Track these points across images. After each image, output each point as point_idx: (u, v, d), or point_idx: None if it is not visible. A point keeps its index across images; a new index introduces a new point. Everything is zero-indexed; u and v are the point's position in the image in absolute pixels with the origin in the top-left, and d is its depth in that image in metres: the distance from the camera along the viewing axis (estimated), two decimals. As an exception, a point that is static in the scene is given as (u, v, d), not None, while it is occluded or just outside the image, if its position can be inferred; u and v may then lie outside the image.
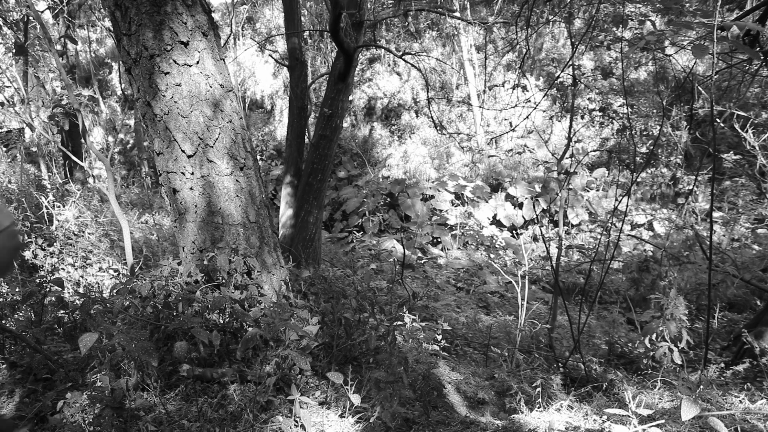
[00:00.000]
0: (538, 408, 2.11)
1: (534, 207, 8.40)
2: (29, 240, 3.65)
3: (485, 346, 3.37)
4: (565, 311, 3.92)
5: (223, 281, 2.19)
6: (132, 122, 12.90)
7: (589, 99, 10.88)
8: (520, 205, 8.76)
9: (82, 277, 3.56)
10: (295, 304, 2.43)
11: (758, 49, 2.73)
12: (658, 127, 9.50)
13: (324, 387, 1.95)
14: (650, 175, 9.42)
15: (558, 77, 7.88)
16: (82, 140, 8.02)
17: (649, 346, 3.01)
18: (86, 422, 1.68)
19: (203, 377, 1.91)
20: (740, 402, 1.98)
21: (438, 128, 10.85)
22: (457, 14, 10.72)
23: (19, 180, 5.40)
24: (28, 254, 3.54)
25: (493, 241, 8.10)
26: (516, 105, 10.49)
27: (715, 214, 7.19)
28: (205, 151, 2.21)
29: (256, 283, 2.27)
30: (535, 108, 4.05)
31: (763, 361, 2.48)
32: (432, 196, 9.07)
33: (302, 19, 6.88)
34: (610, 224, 6.56)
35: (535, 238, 8.31)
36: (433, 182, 9.44)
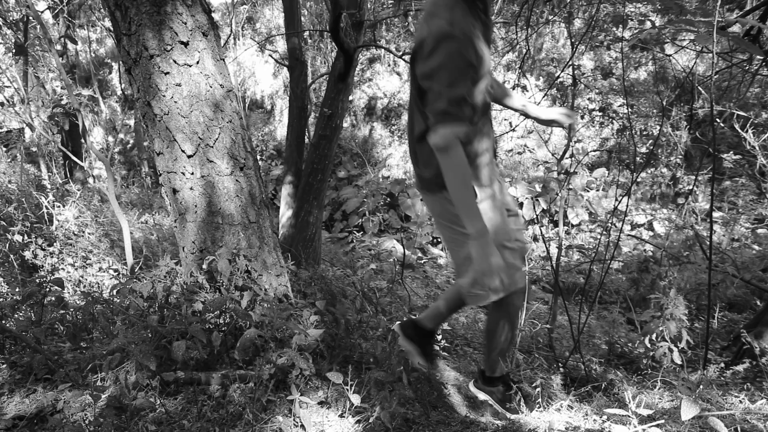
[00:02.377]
0: (538, 408, 2.11)
1: (534, 207, 8.40)
2: (29, 240, 3.65)
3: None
4: (565, 311, 3.92)
5: (224, 283, 2.19)
6: (132, 122, 12.90)
7: (589, 99, 10.88)
8: (521, 205, 8.76)
9: (82, 277, 3.56)
10: (295, 304, 2.43)
11: (758, 48, 2.73)
12: (658, 127, 9.50)
13: (324, 387, 1.95)
14: (650, 175, 9.42)
15: (558, 77, 7.89)
16: (82, 140, 8.03)
17: (649, 346, 3.00)
18: (86, 422, 1.68)
19: (199, 381, 1.91)
20: (740, 402, 1.98)
21: (438, 128, 10.83)
22: (457, 14, 10.71)
23: (19, 180, 5.40)
24: (28, 254, 3.54)
25: (493, 241, 8.08)
26: (516, 105, 10.47)
27: (715, 214, 7.20)
28: (205, 151, 2.21)
29: (256, 283, 2.27)
30: (535, 108, 4.04)
31: (763, 361, 2.47)
32: (432, 196, 9.07)
33: (302, 19, 6.88)
34: (610, 224, 6.55)
35: (535, 238, 8.32)
36: (433, 182, 9.43)
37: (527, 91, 11.52)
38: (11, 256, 3.40)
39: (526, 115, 2.05)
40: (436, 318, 2.27)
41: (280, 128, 12.53)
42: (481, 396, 2.23)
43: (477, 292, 1.73)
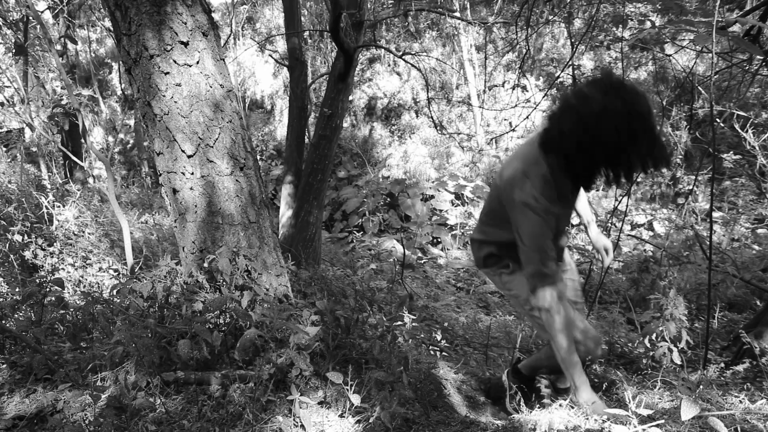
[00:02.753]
0: (538, 407, 2.11)
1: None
2: (29, 240, 3.65)
3: (485, 346, 3.37)
4: (565, 311, 3.91)
5: (224, 283, 2.19)
6: (132, 122, 12.90)
7: (589, 99, 10.86)
8: (520, 205, 8.75)
9: (82, 277, 3.56)
10: (295, 304, 2.43)
11: (758, 48, 2.73)
12: (658, 127, 9.47)
13: (324, 387, 1.95)
14: (650, 175, 9.42)
15: (558, 77, 7.88)
16: (82, 140, 8.03)
17: (648, 346, 3.00)
18: (86, 422, 1.68)
19: (199, 381, 1.91)
20: (740, 402, 1.97)
21: (438, 128, 10.85)
22: (457, 14, 10.72)
23: (19, 180, 5.40)
24: (28, 254, 3.54)
25: (493, 241, 8.08)
26: (516, 105, 10.49)
27: (715, 214, 7.19)
28: (205, 151, 2.21)
29: (256, 283, 2.27)
30: (535, 108, 4.04)
31: (763, 361, 2.47)
32: (432, 196, 9.07)
33: (302, 19, 6.88)
34: (610, 224, 6.55)
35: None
36: (433, 182, 9.44)
37: (527, 91, 11.52)
38: (11, 256, 3.40)
39: (580, 220, 2.31)
40: (535, 369, 2.35)
41: (280, 128, 12.53)
42: (508, 386, 2.38)
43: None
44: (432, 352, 2.90)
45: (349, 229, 8.64)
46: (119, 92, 13.33)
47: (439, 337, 3.00)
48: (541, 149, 1.66)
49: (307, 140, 5.56)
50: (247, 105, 12.97)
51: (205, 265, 2.21)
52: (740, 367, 2.51)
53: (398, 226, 8.66)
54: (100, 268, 3.75)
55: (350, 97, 10.18)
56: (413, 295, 3.89)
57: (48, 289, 2.48)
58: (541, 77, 11.69)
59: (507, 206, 1.78)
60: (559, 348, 1.78)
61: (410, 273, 6.38)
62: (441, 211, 8.83)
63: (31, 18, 5.58)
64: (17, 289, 2.72)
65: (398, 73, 12.68)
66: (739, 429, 1.61)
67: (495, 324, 4.20)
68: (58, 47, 8.23)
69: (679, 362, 2.57)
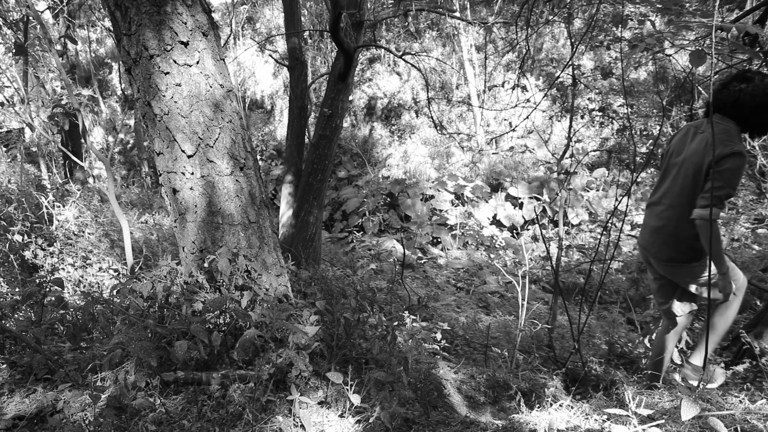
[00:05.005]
0: (538, 408, 2.11)
1: (534, 207, 8.40)
2: (29, 240, 3.65)
3: (485, 346, 3.37)
4: (565, 311, 3.92)
5: (224, 283, 2.19)
6: (132, 122, 12.90)
7: (589, 99, 10.88)
8: (521, 205, 8.76)
9: (82, 277, 3.56)
10: (295, 304, 2.43)
11: (758, 49, 2.73)
12: (658, 127, 9.49)
13: (324, 387, 1.95)
14: (650, 175, 9.42)
15: (558, 77, 7.88)
16: (82, 140, 8.03)
17: (649, 345, 3.00)
18: (86, 422, 1.68)
19: (199, 381, 1.91)
20: (740, 402, 1.97)
21: (438, 128, 10.85)
22: (457, 14, 10.72)
23: (19, 180, 5.40)
24: (28, 254, 3.54)
25: (493, 241, 8.10)
26: (516, 105, 10.48)
27: (715, 214, 7.19)
28: (205, 151, 2.21)
29: (256, 283, 2.27)
30: (535, 108, 4.05)
31: (763, 361, 2.48)
32: (432, 196, 9.07)
33: (302, 19, 6.89)
34: (610, 224, 6.55)
35: (535, 238, 8.32)
36: (433, 182, 9.44)
37: (527, 91, 11.52)
38: (11, 256, 3.40)
39: None
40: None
41: (280, 128, 12.53)
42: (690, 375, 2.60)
43: (726, 292, 2.38)
44: (432, 352, 2.91)
45: (349, 229, 8.64)
46: (119, 92, 13.34)
47: (439, 337, 3.00)
48: (722, 113, 2.34)
49: (307, 140, 5.56)
50: (247, 105, 12.98)
51: (205, 265, 2.21)
52: (740, 367, 2.52)
53: (398, 226, 8.67)
54: (100, 268, 3.75)
55: (350, 97, 10.18)
56: (421, 298, 3.90)
57: (48, 289, 2.48)
58: (541, 77, 11.69)
59: (706, 167, 2.32)
60: (714, 244, 2.24)
61: (410, 273, 6.38)
62: (441, 211, 8.83)
63: (31, 18, 5.58)
64: (17, 289, 2.73)
65: (398, 73, 12.68)
66: (739, 429, 1.61)
67: (495, 324, 4.20)
68: (58, 47, 8.23)
69: (679, 362, 2.57)
